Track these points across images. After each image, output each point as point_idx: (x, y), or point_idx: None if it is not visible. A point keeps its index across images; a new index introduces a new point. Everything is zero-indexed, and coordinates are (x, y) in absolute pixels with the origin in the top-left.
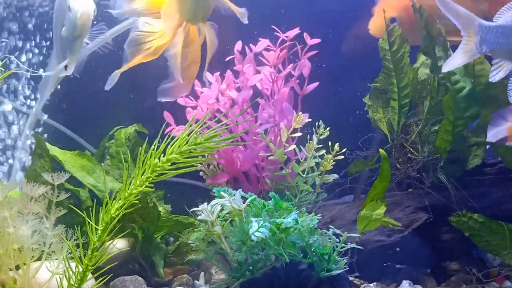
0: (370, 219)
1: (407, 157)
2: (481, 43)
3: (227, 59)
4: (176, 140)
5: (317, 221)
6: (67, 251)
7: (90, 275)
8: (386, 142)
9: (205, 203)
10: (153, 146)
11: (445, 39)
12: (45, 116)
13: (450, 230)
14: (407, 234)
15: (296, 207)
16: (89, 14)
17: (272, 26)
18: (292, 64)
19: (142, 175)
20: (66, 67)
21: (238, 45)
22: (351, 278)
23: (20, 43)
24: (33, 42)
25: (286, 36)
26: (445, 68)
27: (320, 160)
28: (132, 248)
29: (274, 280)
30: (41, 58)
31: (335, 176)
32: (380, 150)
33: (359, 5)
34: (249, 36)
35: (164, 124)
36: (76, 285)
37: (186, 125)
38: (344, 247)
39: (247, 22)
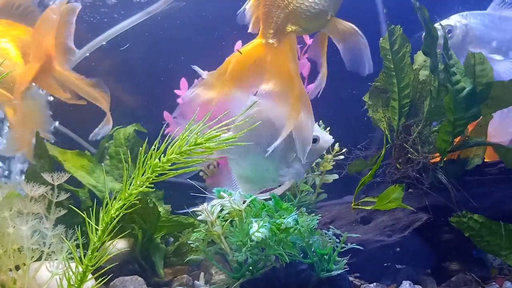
0: (390, 200)
1: (407, 157)
2: None
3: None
4: (177, 140)
5: (317, 221)
6: (67, 251)
7: (90, 276)
8: (386, 142)
9: (205, 203)
10: (153, 146)
11: (446, 39)
12: None
13: (450, 230)
14: (407, 234)
15: (296, 208)
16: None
17: None
18: None
19: (142, 175)
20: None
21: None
22: (351, 278)
23: None
24: None
25: None
26: None
27: (320, 160)
28: (132, 248)
29: (274, 281)
30: None
31: (335, 176)
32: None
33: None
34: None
35: (165, 125)
36: (76, 285)
37: (187, 125)
38: (344, 247)
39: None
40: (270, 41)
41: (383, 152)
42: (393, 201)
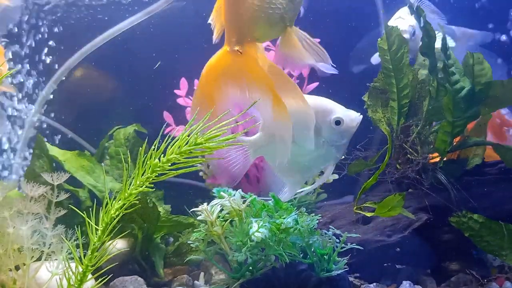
0: (390, 208)
1: (406, 157)
2: None
3: None
4: (177, 141)
5: (317, 221)
6: (67, 251)
7: (90, 276)
8: (386, 142)
9: (205, 203)
10: (153, 146)
11: (444, 40)
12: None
13: (450, 230)
14: (407, 234)
15: (296, 208)
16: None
17: None
18: None
19: (142, 175)
20: None
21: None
22: (351, 278)
23: None
24: None
25: None
26: None
27: None
28: (132, 248)
29: (274, 281)
30: None
31: (335, 176)
32: None
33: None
34: None
35: (165, 125)
36: (76, 285)
37: (187, 125)
38: (344, 247)
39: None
40: (235, 48)
41: (387, 156)
42: (393, 210)
